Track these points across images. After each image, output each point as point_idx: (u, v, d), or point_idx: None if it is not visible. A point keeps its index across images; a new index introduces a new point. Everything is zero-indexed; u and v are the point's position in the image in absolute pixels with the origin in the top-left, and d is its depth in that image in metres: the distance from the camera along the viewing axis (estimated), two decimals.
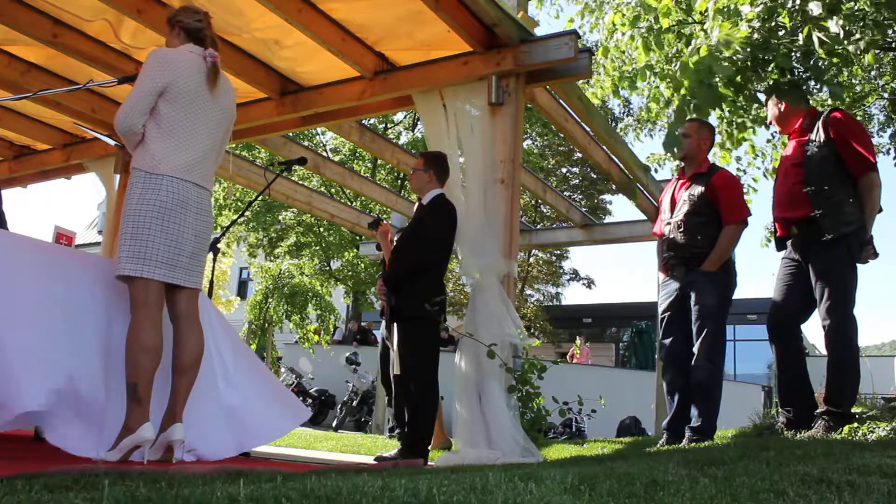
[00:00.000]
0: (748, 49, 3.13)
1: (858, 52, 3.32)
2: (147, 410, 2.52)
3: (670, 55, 3.62)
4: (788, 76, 3.23)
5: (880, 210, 3.37)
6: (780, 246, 3.57)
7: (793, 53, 3.11)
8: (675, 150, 3.65)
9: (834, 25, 3.07)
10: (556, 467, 2.24)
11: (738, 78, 3.18)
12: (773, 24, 3.16)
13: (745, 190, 5.21)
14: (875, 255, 3.32)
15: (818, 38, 2.98)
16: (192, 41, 2.81)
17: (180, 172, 2.66)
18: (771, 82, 3.25)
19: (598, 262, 73.86)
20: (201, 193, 2.75)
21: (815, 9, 3.00)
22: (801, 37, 3.06)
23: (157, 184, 2.61)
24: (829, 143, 3.31)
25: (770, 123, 3.68)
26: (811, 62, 3.13)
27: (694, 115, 3.48)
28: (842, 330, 3.22)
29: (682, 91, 3.28)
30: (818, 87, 3.37)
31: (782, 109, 3.54)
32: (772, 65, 3.14)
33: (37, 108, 5.85)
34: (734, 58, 3.14)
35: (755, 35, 3.19)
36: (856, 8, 3.19)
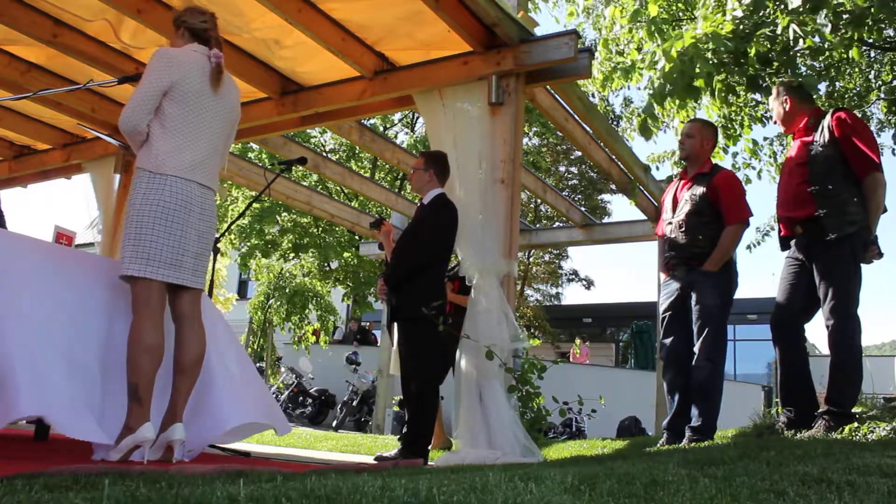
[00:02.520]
0: (733, 41, 3.14)
1: (842, 47, 3.33)
2: (147, 410, 2.52)
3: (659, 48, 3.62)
4: (758, 69, 3.24)
5: (885, 210, 3.37)
6: (784, 246, 3.57)
7: (771, 46, 3.12)
8: (650, 133, 3.68)
9: (821, 18, 3.08)
10: (556, 467, 2.24)
11: (717, 72, 3.20)
12: (759, 17, 3.17)
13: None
14: (880, 255, 3.32)
15: (794, 30, 3.00)
16: (196, 41, 2.82)
17: (184, 172, 2.65)
18: (750, 75, 3.26)
19: (598, 262, 73.73)
20: (205, 193, 2.75)
21: (794, 1, 3.01)
22: (779, 28, 3.07)
23: (161, 184, 2.61)
24: (834, 143, 3.32)
25: (774, 122, 3.67)
26: (787, 55, 3.14)
27: (675, 103, 3.49)
28: (844, 330, 3.22)
29: (670, 75, 3.28)
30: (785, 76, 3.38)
31: (787, 108, 3.54)
32: (750, 57, 3.15)
33: (37, 108, 5.85)
34: (719, 49, 3.14)
35: (741, 27, 3.20)
36: (839, 2, 3.19)
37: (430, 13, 3.85)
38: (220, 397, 2.93)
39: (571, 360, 14.90)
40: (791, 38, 3.00)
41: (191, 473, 1.90)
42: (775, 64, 3.19)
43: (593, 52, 4.15)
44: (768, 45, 3.10)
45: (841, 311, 3.22)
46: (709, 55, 3.15)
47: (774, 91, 3.57)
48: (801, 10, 3.02)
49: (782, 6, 3.05)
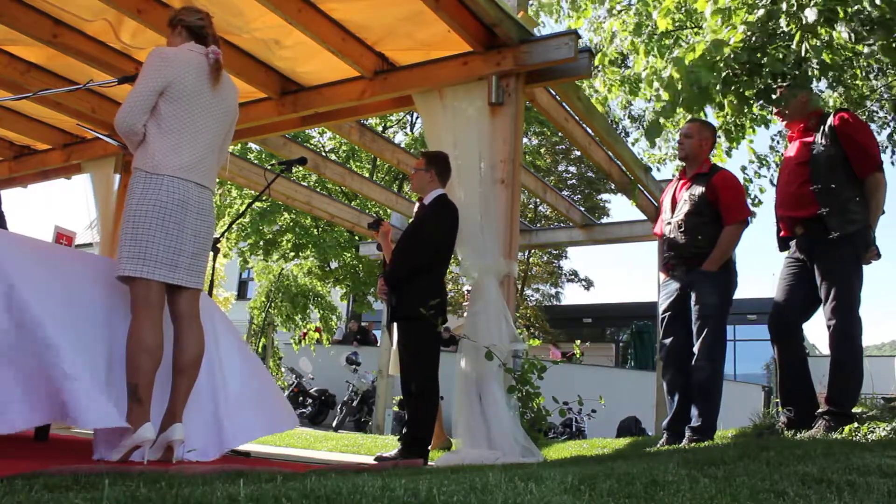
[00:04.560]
0: (743, 52, 3.14)
1: (872, 56, 3.33)
2: (147, 410, 2.52)
3: (668, 60, 3.63)
4: (770, 82, 3.25)
5: (883, 212, 3.38)
6: (783, 246, 3.58)
7: (784, 59, 3.13)
8: (656, 140, 3.70)
9: (843, 29, 3.09)
10: (556, 467, 2.24)
11: (726, 83, 3.21)
12: (772, 28, 3.17)
13: (751, 199, 5.22)
14: (878, 255, 3.33)
15: (808, 46, 3.01)
16: (193, 40, 2.82)
17: (181, 172, 2.65)
18: (762, 87, 3.27)
19: (597, 262, 73.76)
20: (202, 193, 2.75)
21: (809, 16, 3.02)
22: (794, 43, 3.08)
23: (158, 184, 2.61)
24: (836, 143, 3.33)
25: (779, 114, 3.64)
26: (800, 69, 3.15)
27: (683, 113, 3.50)
28: (847, 330, 3.23)
29: (675, 86, 3.29)
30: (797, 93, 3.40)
31: (802, 100, 3.51)
32: (765, 69, 3.15)
33: (37, 108, 5.85)
34: (727, 60, 3.15)
35: (753, 38, 3.21)
36: (864, 9, 3.19)
37: (430, 13, 3.85)
38: (219, 416, 2.94)
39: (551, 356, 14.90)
40: (803, 53, 3.01)
41: (191, 473, 1.90)
42: (792, 76, 3.19)
43: (593, 52, 4.14)
44: (781, 58, 3.10)
45: (843, 310, 3.22)
46: (721, 65, 3.16)
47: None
48: (817, 23, 3.02)
49: (797, 20, 3.05)
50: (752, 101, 3.48)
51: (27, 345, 2.44)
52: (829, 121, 3.40)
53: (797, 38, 3.04)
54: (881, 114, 6.20)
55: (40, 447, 3.06)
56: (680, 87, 3.25)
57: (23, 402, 2.38)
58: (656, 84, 3.80)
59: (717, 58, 3.17)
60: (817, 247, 3.34)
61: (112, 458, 2.45)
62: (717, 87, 3.24)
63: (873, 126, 6.27)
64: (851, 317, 3.24)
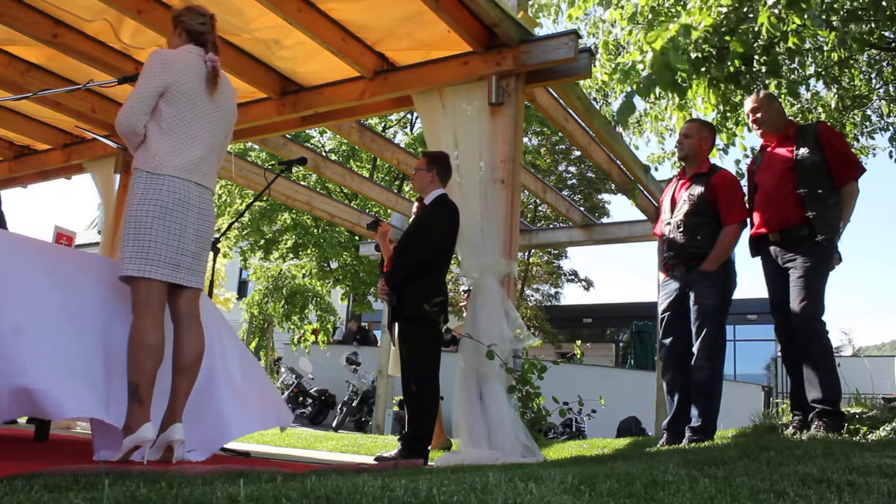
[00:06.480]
0: (713, 36, 3.17)
1: (845, 46, 3.38)
2: (147, 410, 2.52)
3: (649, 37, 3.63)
4: (740, 65, 3.29)
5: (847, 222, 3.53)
6: (756, 251, 3.64)
7: (752, 43, 3.17)
8: (628, 121, 3.74)
9: (815, 12, 3.12)
10: (556, 467, 2.24)
11: (696, 66, 3.26)
12: (745, 11, 3.19)
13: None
14: (839, 260, 3.48)
15: (767, 28, 3.04)
16: (192, 43, 2.82)
17: (182, 172, 2.66)
18: (731, 71, 3.31)
19: (597, 262, 73.80)
20: (203, 193, 2.76)
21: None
22: (757, 25, 3.11)
23: (159, 184, 2.62)
24: (819, 151, 3.45)
25: (756, 121, 3.70)
26: (769, 54, 3.19)
27: (663, 102, 3.54)
28: (819, 329, 3.33)
29: (655, 62, 3.32)
30: (767, 80, 3.47)
31: (778, 111, 3.62)
32: (732, 52, 3.19)
33: (37, 108, 5.85)
34: (696, 44, 3.18)
35: (723, 22, 3.24)
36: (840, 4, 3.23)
37: (430, 13, 3.85)
38: (223, 405, 2.94)
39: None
40: (765, 35, 3.06)
41: (191, 473, 1.90)
42: (761, 61, 3.24)
43: (594, 52, 4.14)
44: (751, 43, 3.14)
45: (815, 311, 3.32)
46: (690, 49, 3.21)
47: (760, 96, 3.63)
48: (778, 4, 3.05)
49: (763, 2, 3.09)
50: (721, 86, 3.52)
51: (27, 344, 2.44)
52: (812, 130, 3.52)
53: (762, 18, 3.07)
54: (874, 118, 6.21)
55: (40, 447, 3.07)
56: (654, 67, 3.29)
57: (25, 399, 2.39)
58: (638, 58, 3.81)
59: (685, 41, 3.21)
60: (796, 247, 3.41)
61: (112, 458, 2.45)
62: (688, 71, 3.29)
63: (869, 127, 6.29)
64: (820, 317, 3.34)
